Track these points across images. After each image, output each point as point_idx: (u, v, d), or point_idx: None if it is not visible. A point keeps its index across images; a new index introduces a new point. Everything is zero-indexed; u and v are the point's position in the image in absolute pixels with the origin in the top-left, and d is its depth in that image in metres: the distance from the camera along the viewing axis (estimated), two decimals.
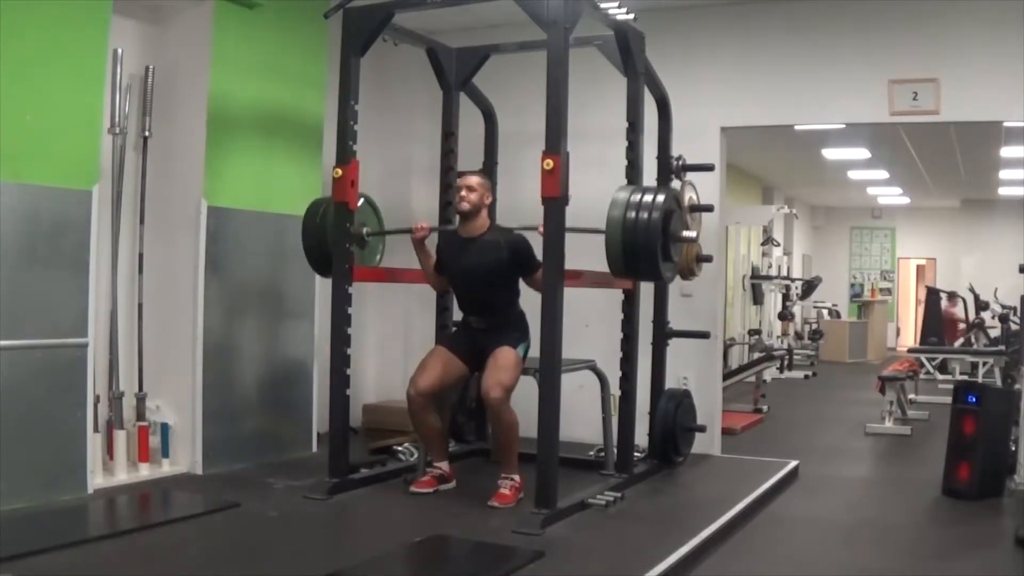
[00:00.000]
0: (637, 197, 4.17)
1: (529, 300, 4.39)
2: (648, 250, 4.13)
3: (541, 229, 4.13)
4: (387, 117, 6.28)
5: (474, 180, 4.48)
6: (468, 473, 4.85)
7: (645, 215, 4.11)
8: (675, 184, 5.18)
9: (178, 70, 4.94)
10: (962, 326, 11.92)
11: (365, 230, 4.71)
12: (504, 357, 4.31)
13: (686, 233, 4.41)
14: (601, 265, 4.70)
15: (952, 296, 12.56)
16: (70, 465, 4.24)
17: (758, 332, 10.70)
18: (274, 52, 5.20)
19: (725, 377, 7.16)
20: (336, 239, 4.56)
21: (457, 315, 4.79)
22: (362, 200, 4.70)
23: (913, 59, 5.30)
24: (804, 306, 13.91)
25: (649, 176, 4.92)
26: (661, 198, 4.15)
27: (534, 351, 4.11)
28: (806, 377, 11.11)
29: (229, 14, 4.92)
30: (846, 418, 7.91)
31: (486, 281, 4.44)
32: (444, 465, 4.59)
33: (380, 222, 4.99)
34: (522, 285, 4.51)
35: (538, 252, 4.26)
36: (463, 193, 4.44)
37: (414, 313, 6.36)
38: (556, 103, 3.99)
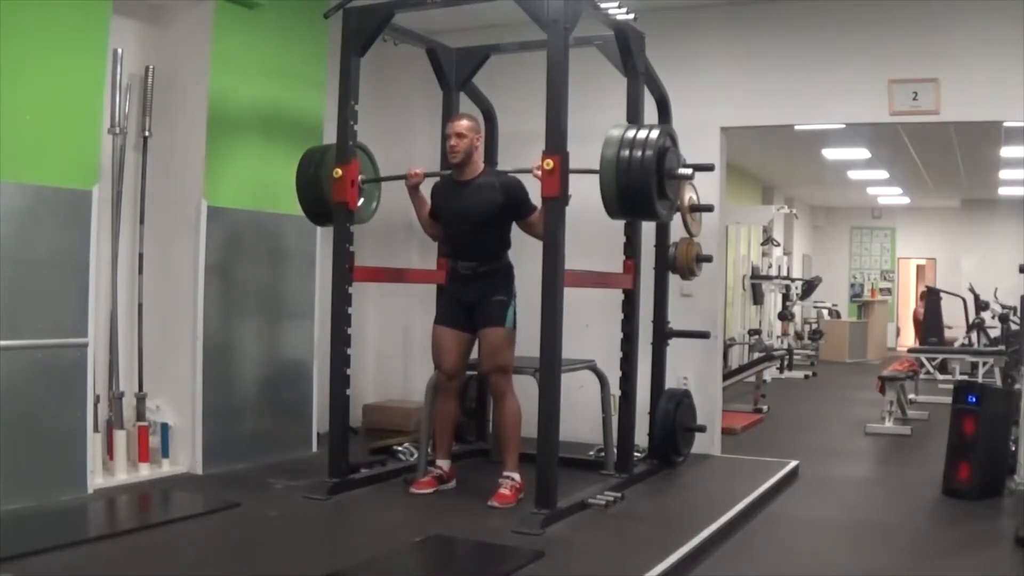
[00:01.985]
0: (631, 134, 4.12)
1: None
2: (643, 189, 4.08)
3: (536, 171, 4.09)
4: (387, 117, 6.28)
5: (463, 125, 4.42)
6: (468, 473, 4.85)
7: (639, 152, 4.06)
8: None
9: (178, 70, 4.94)
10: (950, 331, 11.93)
11: (361, 178, 4.65)
12: (496, 339, 4.36)
13: (681, 170, 4.34)
14: (601, 265, 4.71)
15: (922, 296, 12.50)
16: (70, 465, 4.24)
17: (758, 332, 10.70)
18: (274, 52, 5.20)
19: (725, 377, 7.16)
20: (336, 239, 4.56)
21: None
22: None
23: (913, 59, 5.30)
24: (804, 306, 13.92)
25: None
26: (655, 134, 4.11)
27: (532, 349, 4.10)
28: (806, 377, 11.11)
29: (229, 14, 4.92)
30: (846, 418, 7.91)
31: (479, 222, 4.40)
32: (445, 464, 4.59)
33: (375, 170, 4.97)
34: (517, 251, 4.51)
35: (533, 197, 4.27)
36: (452, 142, 4.40)
37: (414, 313, 6.36)
38: (556, 103, 3.99)
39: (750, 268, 11.43)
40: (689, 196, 5.29)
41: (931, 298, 12.30)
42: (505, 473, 4.35)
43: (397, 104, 6.50)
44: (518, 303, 4.47)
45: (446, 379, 4.53)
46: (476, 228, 4.41)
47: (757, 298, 11.37)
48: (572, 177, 4.08)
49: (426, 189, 4.68)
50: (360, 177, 4.62)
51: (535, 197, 4.24)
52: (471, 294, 4.45)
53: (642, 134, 4.11)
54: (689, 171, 4.41)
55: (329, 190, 4.60)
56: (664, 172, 4.16)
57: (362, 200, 4.74)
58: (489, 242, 4.44)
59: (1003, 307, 10.02)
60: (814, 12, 5.55)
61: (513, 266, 4.53)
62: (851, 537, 4.23)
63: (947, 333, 11.75)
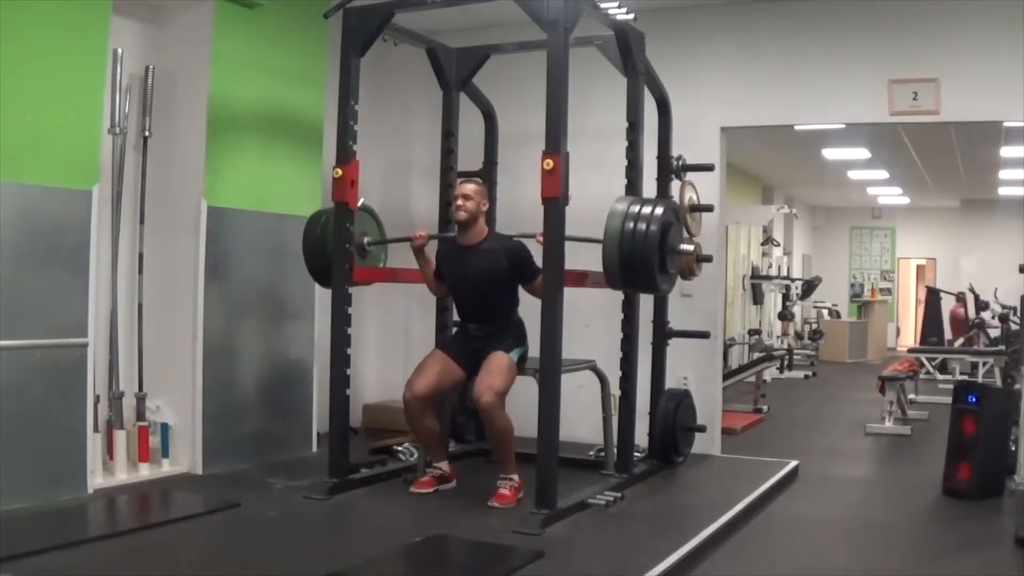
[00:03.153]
0: (636, 209, 4.16)
1: (529, 302, 4.39)
2: (645, 264, 4.12)
3: (539, 237, 4.12)
4: (387, 117, 6.28)
5: (470, 188, 4.46)
6: (468, 473, 4.85)
7: (643, 227, 4.10)
8: (675, 184, 5.18)
9: (178, 70, 4.94)
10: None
11: (367, 240, 4.71)
12: (497, 361, 4.31)
13: (684, 246, 4.40)
14: (601, 265, 4.71)
15: (959, 297, 12.58)
16: (70, 465, 4.24)
17: (758, 332, 10.70)
18: (274, 52, 5.20)
19: (725, 377, 7.16)
20: (336, 238, 4.56)
21: (457, 316, 4.78)
22: (361, 204, 4.68)
23: (913, 59, 5.30)
24: (804, 306, 13.91)
25: (649, 175, 4.92)
26: (660, 211, 4.14)
27: (534, 350, 4.10)
28: (806, 377, 11.11)
29: (229, 14, 4.92)
30: (846, 418, 7.91)
31: (485, 289, 4.44)
32: (444, 465, 4.59)
33: (381, 231, 4.99)
34: (522, 292, 4.52)
35: (537, 260, 4.26)
36: (459, 202, 4.43)
37: (414, 313, 6.36)
38: (556, 103, 3.99)
39: (750, 268, 11.43)
40: (689, 196, 5.28)
41: (931, 298, 12.32)
42: (503, 475, 4.35)
43: (397, 104, 6.50)
44: (529, 352, 4.46)
45: (411, 396, 4.39)
46: (483, 294, 4.45)
47: (757, 298, 11.36)
48: (572, 175, 4.07)
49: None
50: (366, 239, 4.67)
51: (538, 257, 4.24)
52: (481, 343, 4.45)
53: (647, 209, 4.14)
54: (691, 247, 4.45)
55: (331, 244, 4.61)
56: (667, 248, 4.19)
57: (367, 263, 4.77)
58: (498, 306, 4.48)
59: (1003, 307, 10.02)
60: (814, 12, 5.56)
61: (523, 322, 4.53)
62: (851, 537, 4.23)
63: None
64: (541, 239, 4.11)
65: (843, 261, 17.52)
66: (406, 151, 6.51)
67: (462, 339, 4.60)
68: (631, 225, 4.11)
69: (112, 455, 4.60)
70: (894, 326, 16.96)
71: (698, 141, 5.47)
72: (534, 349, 4.09)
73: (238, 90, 5.01)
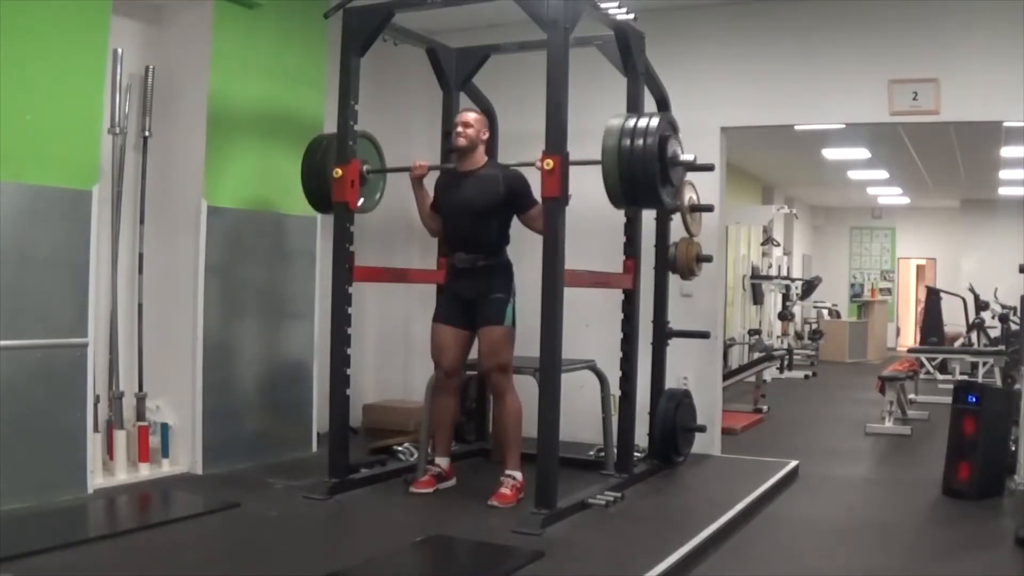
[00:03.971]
0: (631, 123, 4.14)
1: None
2: (647, 176, 4.09)
3: (539, 164, 4.07)
4: (387, 117, 6.27)
5: (471, 116, 4.49)
6: (468, 473, 4.85)
7: (640, 141, 4.07)
8: None
9: (178, 70, 4.94)
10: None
11: (366, 167, 4.67)
12: (494, 338, 4.37)
13: (684, 156, 4.35)
14: (601, 265, 4.71)
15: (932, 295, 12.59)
16: (70, 465, 4.24)
17: (758, 332, 10.70)
18: (274, 52, 5.20)
19: (725, 377, 7.16)
20: (336, 239, 4.56)
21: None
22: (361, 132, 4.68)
23: (913, 59, 5.30)
24: (804, 306, 13.91)
25: None
26: (655, 122, 4.12)
27: (532, 349, 4.10)
28: (806, 377, 11.11)
29: (229, 14, 4.92)
30: (846, 418, 7.91)
31: (480, 214, 4.42)
32: (444, 462, 4.60)
33: (381, 159, 4.97)
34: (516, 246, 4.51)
35: (535, 189, 4.25)
36: (459, 129, 4.45)
37: (414, 313, 6.36)
38: (556, 103, 3.99)
39: (750, 268, 11.43)
40: (689, 196, 5.29)
41: (931, 298, 12.32)
42: (507, 472, 4.35)
43: (397, 104, 6.49)
44: (517, 301, 4.47)
45: (444, 376, 4.54)
46: (476, 219, 4.42)
47: (757, 298, 11.36)
48: (573, 174, 4.07)
49: (429, 184, 4.68)
50: (365, 167, 4.64)
51: (536, 190, 4.23)
52: (470, 291, 4.45)
53: (642, 122, 4.12)
54: (692, 157, 4.39)
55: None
56: (667, 159, 4.17)
57: (366, 190, 4.74)
58: (489, 234, 4.45)
59: (1003, 307, 10.02)
60: (815, 12, 5.55)
61: (512, 264, 4.53)
62: (851, 537, 4.23)
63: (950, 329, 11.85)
64: (540, 165, 4.04)
65: (843, 261, 17.53)
66: (406, 151, 6.48)
67: (452, 290, 4.58)
68: (628, 141, 4.09)
69: (112, 455, 4.60)
70: (894, 326, 16.97)
71: (698, 141, 5.45)
72: (534, 348, 4.08)
73: (238, 90, 5.01)
